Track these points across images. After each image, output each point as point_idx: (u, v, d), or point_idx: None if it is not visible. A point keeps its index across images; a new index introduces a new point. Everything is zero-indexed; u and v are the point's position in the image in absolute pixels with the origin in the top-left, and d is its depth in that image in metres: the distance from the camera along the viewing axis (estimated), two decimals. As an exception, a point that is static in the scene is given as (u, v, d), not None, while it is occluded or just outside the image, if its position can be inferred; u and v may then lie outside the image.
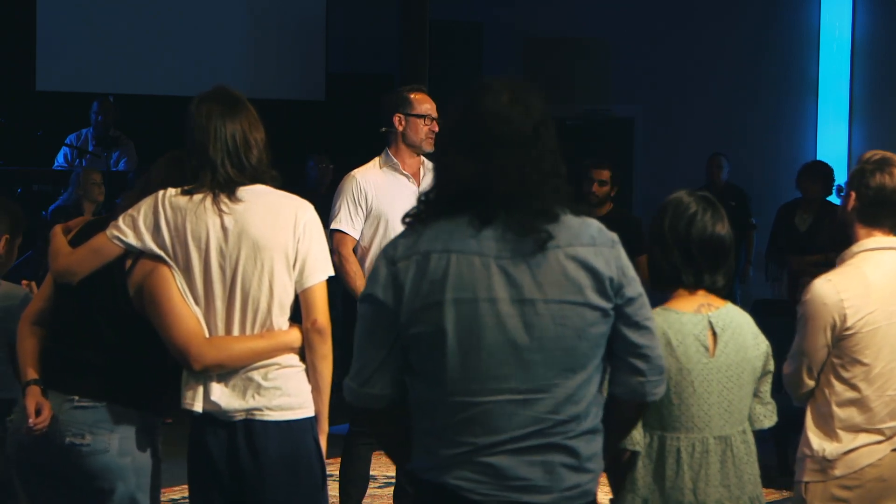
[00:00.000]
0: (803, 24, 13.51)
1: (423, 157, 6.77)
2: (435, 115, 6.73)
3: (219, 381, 4.23)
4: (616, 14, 13.92)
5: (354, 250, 6.64)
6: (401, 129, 6.71)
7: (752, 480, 4.01)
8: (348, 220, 6.59)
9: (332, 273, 4.35)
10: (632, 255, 3.48)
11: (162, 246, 4.22)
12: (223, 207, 4.22)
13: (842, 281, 4.39)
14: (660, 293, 4.01)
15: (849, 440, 4.40)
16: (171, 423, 4.57)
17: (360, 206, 6.61)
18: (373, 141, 7.16)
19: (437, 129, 6.71)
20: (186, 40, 13.42)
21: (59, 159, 12.11)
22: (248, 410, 4.22)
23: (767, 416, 4.09)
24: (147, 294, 4.22)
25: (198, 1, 13.63)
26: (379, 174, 6.69)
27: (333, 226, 6.58)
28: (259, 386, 4.23)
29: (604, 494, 3.76)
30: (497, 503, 3.29)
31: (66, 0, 13.08)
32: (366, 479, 6.84)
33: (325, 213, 5.61)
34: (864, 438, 4.40)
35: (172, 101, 13.30)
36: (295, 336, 4.28)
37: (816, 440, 4.42)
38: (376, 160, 6.76)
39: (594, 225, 3.38)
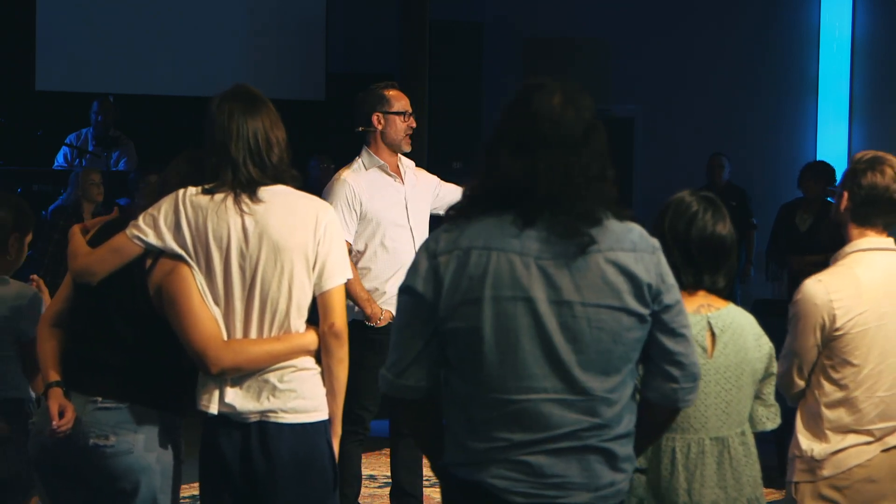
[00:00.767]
0: (803, 23, 13.51)
1: (399, 155, 6.76)
2: (411, 110, 6.72)
3: (234, 383, 4.21)
4: (616, 14, 13.92)
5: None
6: (380, 127, 6.68)
7: (752, 482, 3.99)
8: (343, 225, 6.56)
9: (351, 276, 4.33)
10: None
11: (183, 245, 4.20)
12: (244, 207, 4.20)
13: (832, 281, 4.38)
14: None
15: (837, 441, 4.39)
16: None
17: (354, 209, 6.58)
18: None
19: (414, 125, 6.73)
20: (186, 40, 13.41)
21: (59, 159, 12.11)
22: (262, 412, 4.21)
23: (770, 419, 4.08)
24: (166, 295, 4.20)
25: (198, 1, 13.62)
26: (367, 176, 6.66)
27: None
28: (274, 388, 4.21)
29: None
30: (534, 502, 3.31)
31: (66, 0, 13.08)
32: (359, 477, 6.81)
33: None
34: (852, 439, 4.39)
35: (172, 101, 13.34)
36: (311, 339, 4.26)
37: (805, 441, 4.42)
38: (360, 161, 6.70)
39: (636, 230, 3.39)
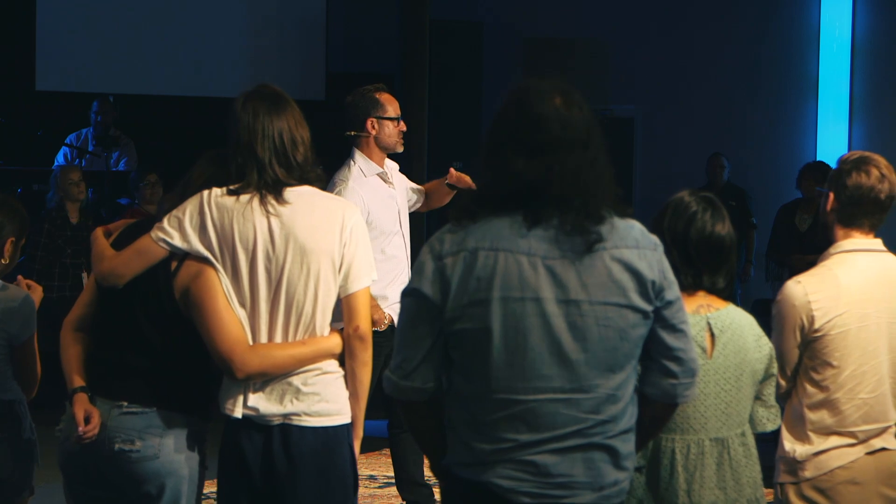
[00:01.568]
0: (803, 23, 13.50)
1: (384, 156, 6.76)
2: (400, 113, 6.72)
3: (258, 387, 4.19)
4: (615, 14, 13.92)
5: None
6: (374, 132, 6.69)
7: (752, 483, 3.99)
8: None
9: (376, 278, 4.32)
10: None
11: (208, 247, 4.16)
12: (270, 209, 4.16)
13: (812, 282, 4.38)
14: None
15: (819, 442, 4.38)
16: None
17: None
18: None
19: (404, 128, 6.73)
20: (186, 40, 13.40)
21: (59, 159, 12.11)
22: (285, 415, 4.19)
23: (771, 420, 4.08)
24: (192, 298, 4.17)
25: (198, 1, 13.62)
26: (369, 184, 6.66)
27: None
28: (298, 391, 4.19)
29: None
30: (540, 502, 3.32)
31: (66, 0, 13.07)
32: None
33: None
34: (834, 441, 4.38)
35: (172, 101, 13.34)
36: (336, 342, 4.24)
37: (788, 442, 4.41)
38: (355, 166, 6.68)
39: (637, 227, 3.43)
